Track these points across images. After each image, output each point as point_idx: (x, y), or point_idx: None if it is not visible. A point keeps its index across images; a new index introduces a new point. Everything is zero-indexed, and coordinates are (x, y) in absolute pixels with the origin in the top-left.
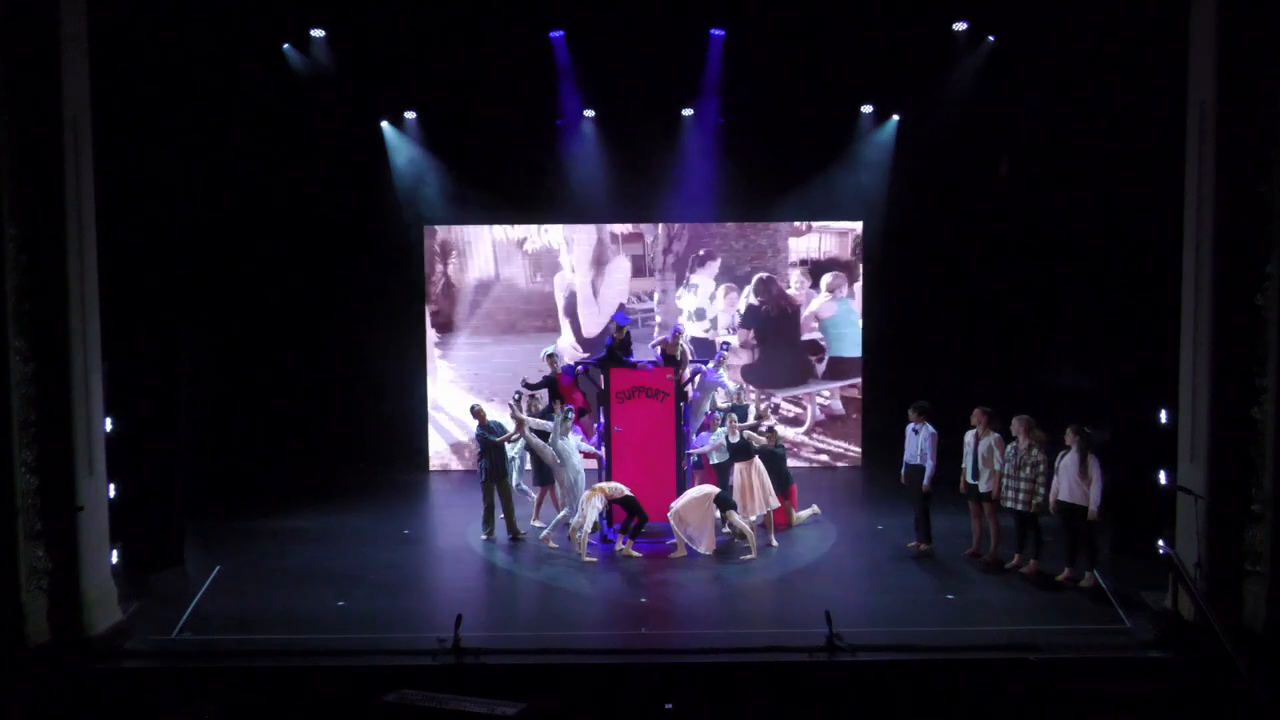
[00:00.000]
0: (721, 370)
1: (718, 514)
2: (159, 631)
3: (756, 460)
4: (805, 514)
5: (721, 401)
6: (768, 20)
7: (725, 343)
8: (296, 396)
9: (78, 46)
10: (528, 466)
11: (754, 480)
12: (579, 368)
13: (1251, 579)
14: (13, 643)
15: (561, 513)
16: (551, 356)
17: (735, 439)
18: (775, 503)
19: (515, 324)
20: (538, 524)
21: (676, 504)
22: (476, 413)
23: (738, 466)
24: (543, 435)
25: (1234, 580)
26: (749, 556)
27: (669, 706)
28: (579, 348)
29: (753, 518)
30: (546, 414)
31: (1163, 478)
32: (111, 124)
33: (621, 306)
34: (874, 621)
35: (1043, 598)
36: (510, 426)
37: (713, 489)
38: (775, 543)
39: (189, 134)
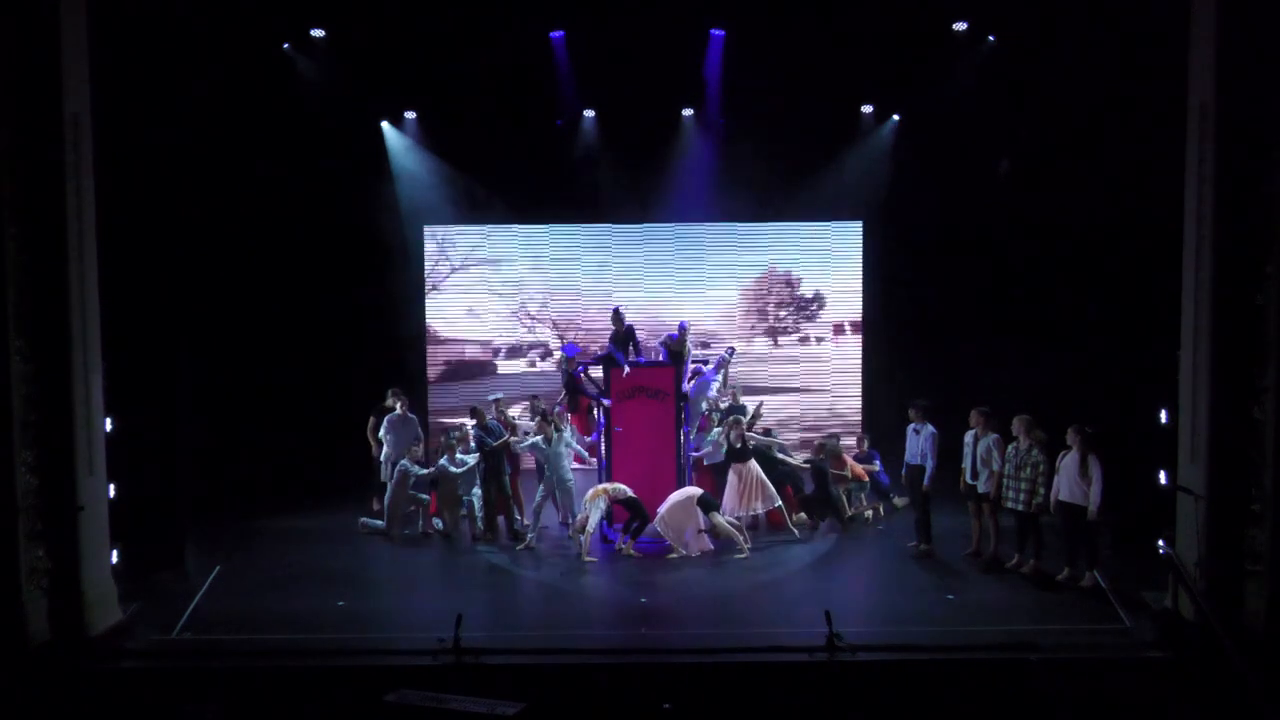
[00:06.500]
0: (719, 376)
1: (702, 515)
2: (159, 631)
3: (753, 461)
4: (801, 517)
5: (723, 403)
6: (768, 20)
7: (730, 347)
8: (296, 396)
9: (78, 46)
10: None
11: (754, 479)
12: (580, 369)
13: (1251, 579)
14: (13, 643)
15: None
16: (565, 358)
17: (738, 443)
18: (777, 501)
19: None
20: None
21: (661, 509)
22: (475, 414)
23: (735, 467)
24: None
25: (1234, 580)
26: (741, 555)
27: (667, 706)
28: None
29: (757, 511)
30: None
31: (1163, 478)
32: (111, 124)
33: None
34: (874, 621)
35: (1043, 598)
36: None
37: (695, 491)
38: (796, 530)
39: (189, 134)
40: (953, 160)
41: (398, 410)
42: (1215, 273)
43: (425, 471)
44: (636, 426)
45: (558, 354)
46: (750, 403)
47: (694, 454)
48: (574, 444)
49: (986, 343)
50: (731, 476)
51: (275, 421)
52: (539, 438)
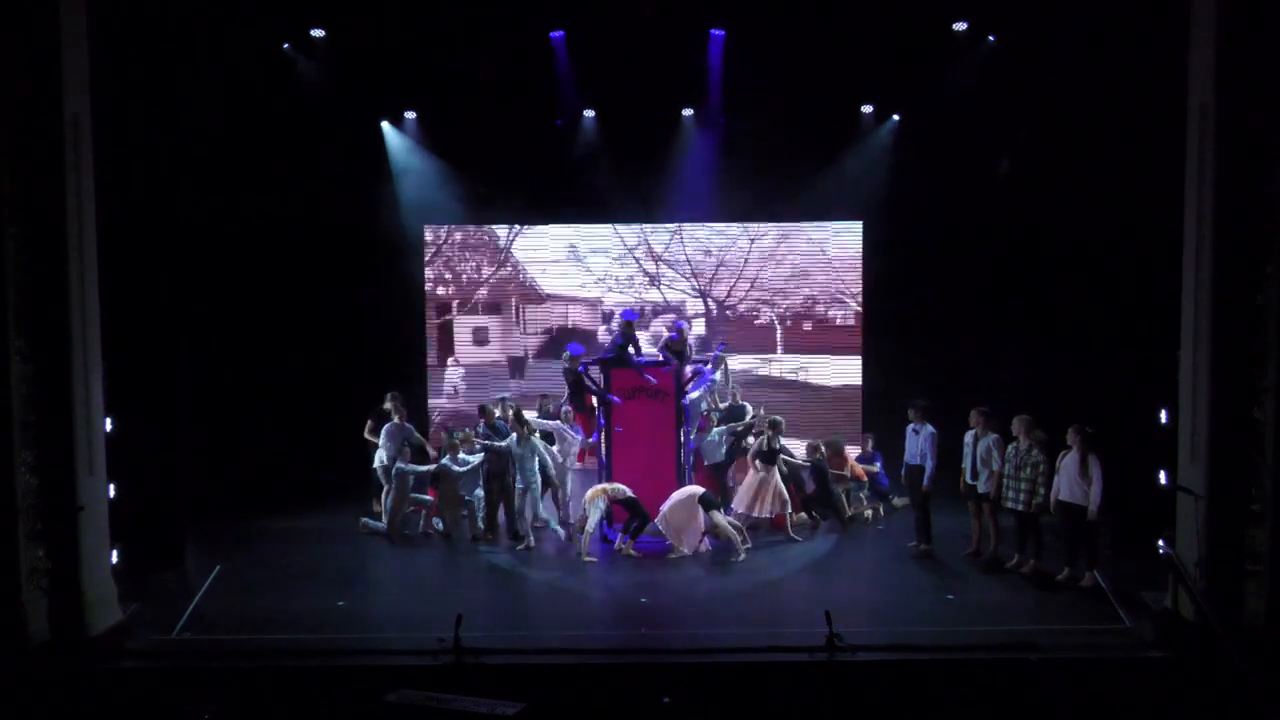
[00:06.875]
0: (718, 373)
1: (703, 514)
2: (159, 631)
3: (775, 468)
4: (801, 517)
5: (722, 403)
6: (768, 20)
7: (722, 343)
8: (296, 396)
9: (78, 46)
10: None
11: (774, 484)
12: (583, 368)
13: (1251, 579)
14: (13, 643)
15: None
16: (570, 357)
17: (775, 443)
18: (789, 508)
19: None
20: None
21: (664, 508)
22: (483, 412)
23: (764, 466)
24: (546, 437)
25: (1234, 580)
26: (739, 557)
27: (667, 700)
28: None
29: (766, 515)
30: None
31: (1163, 478)
32: (111, 124)
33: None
34: (874, 621)
35: (1043, 598)
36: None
37: (696, 490)
38: (797, 537)
39: (189, 133)
40: (953, 160)
41: (395, 420)
42: (1215, 273)
43: (426, 469)
44: (636, 426)
45: (564, 354)
46: (750, 404)
47: (716, 466)
48: (540, 449)
49: (986, 343)
50: (752, 475)
51: (275, 422)
52: (511, 438)
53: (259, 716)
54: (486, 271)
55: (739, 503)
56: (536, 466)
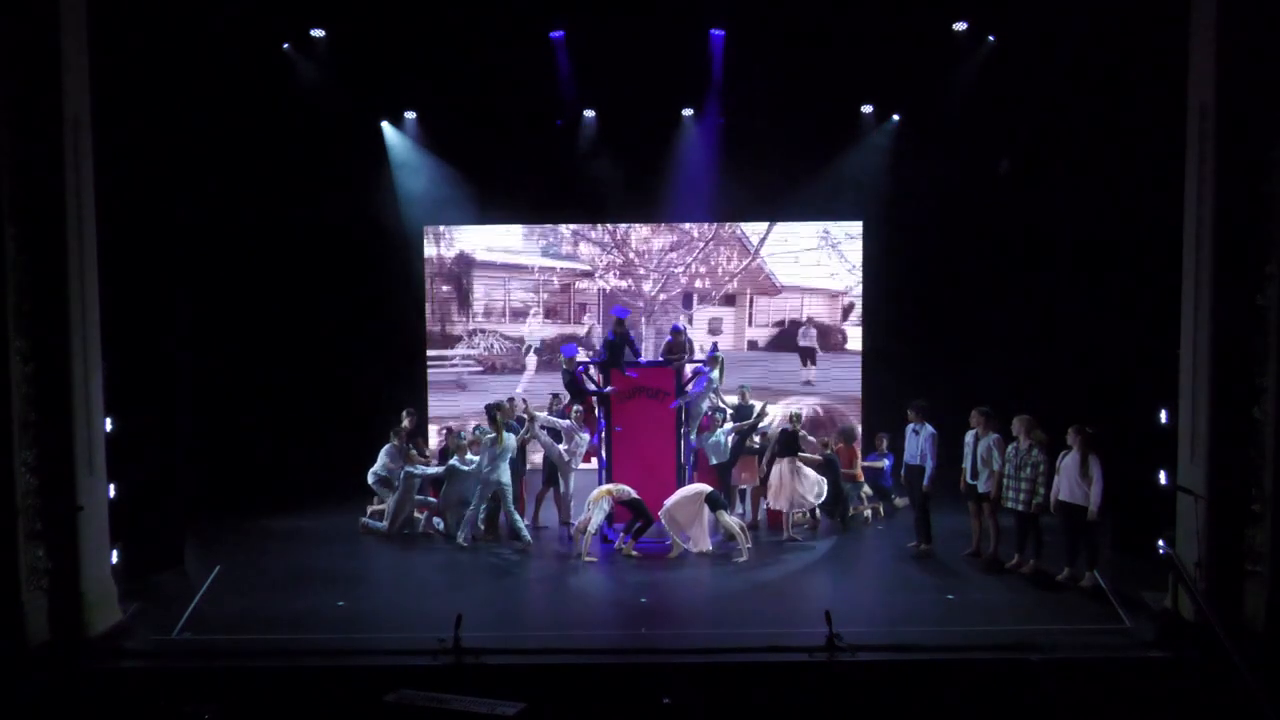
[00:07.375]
0: (715, 372)
1: (709, 513)
2: (159, 631)
3: (797, 459)
4: (799, 514)
5: (728, 400)
6: (768, 20)
7: (715, 343)
8: (296, 396)
9: (78, 46)
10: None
11: (792, 475)
12: (580, 369)
13: (1251, 579)
14: (13, 643)
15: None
16: (565, 358)
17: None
18: (814, 500)
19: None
20: (540, 525)
21: (668, 503)
22: (499, 409)
23: (781, 461)
24: (554, 433)
25: (1234, 580)
26: (742, 559)
27: (666, 701)
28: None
29: (807, 505)
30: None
31: (1163, 478)
32: (111, 124)
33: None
34: (874, 621)
35: (1043, 598)
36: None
37: (704, 488)
38: (797, 537)
39: (189, 134)
40: (953, 160)
41: (395, 443)
42: (1215, 273)
43: (435, 471)
44: (636, 426)
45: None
46: (756, 403)
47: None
48: (509, 456)
49: (986, 343)
50: (780, 472)
51: (276, 421)
52: (490, 437)
53: (259, 716)
54: None
55: (774, 500)
56: (506, 468)
